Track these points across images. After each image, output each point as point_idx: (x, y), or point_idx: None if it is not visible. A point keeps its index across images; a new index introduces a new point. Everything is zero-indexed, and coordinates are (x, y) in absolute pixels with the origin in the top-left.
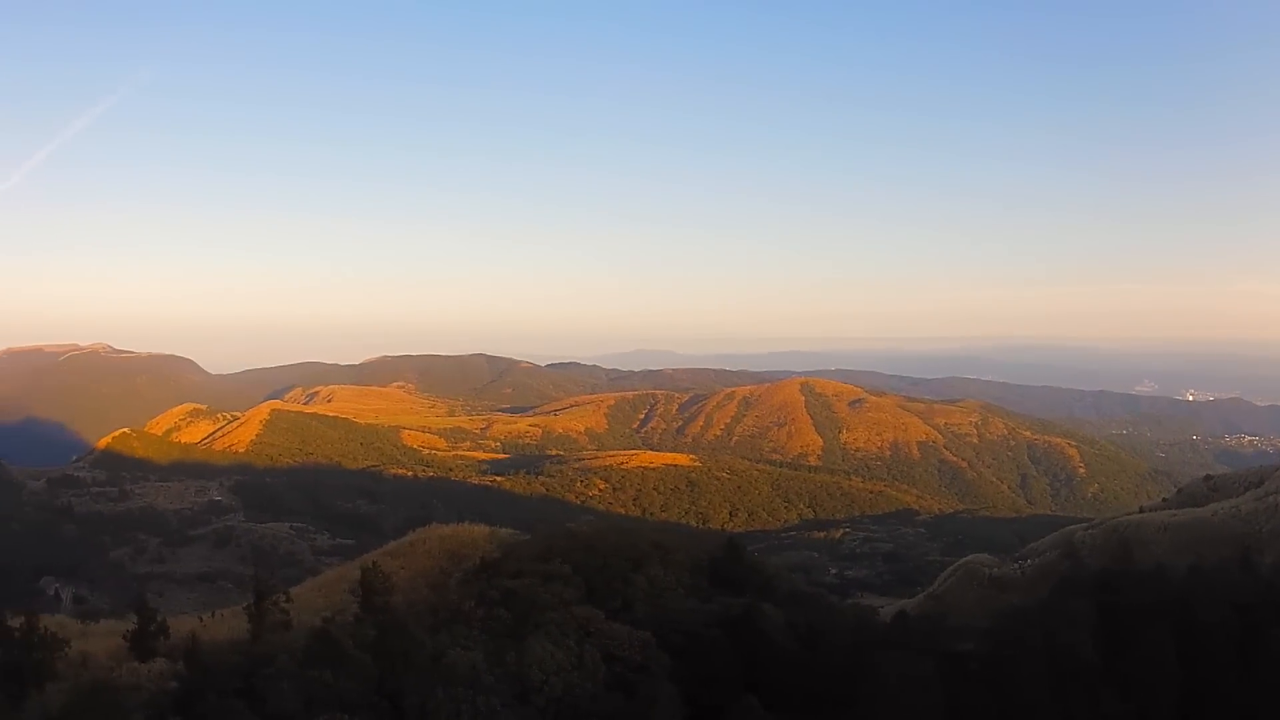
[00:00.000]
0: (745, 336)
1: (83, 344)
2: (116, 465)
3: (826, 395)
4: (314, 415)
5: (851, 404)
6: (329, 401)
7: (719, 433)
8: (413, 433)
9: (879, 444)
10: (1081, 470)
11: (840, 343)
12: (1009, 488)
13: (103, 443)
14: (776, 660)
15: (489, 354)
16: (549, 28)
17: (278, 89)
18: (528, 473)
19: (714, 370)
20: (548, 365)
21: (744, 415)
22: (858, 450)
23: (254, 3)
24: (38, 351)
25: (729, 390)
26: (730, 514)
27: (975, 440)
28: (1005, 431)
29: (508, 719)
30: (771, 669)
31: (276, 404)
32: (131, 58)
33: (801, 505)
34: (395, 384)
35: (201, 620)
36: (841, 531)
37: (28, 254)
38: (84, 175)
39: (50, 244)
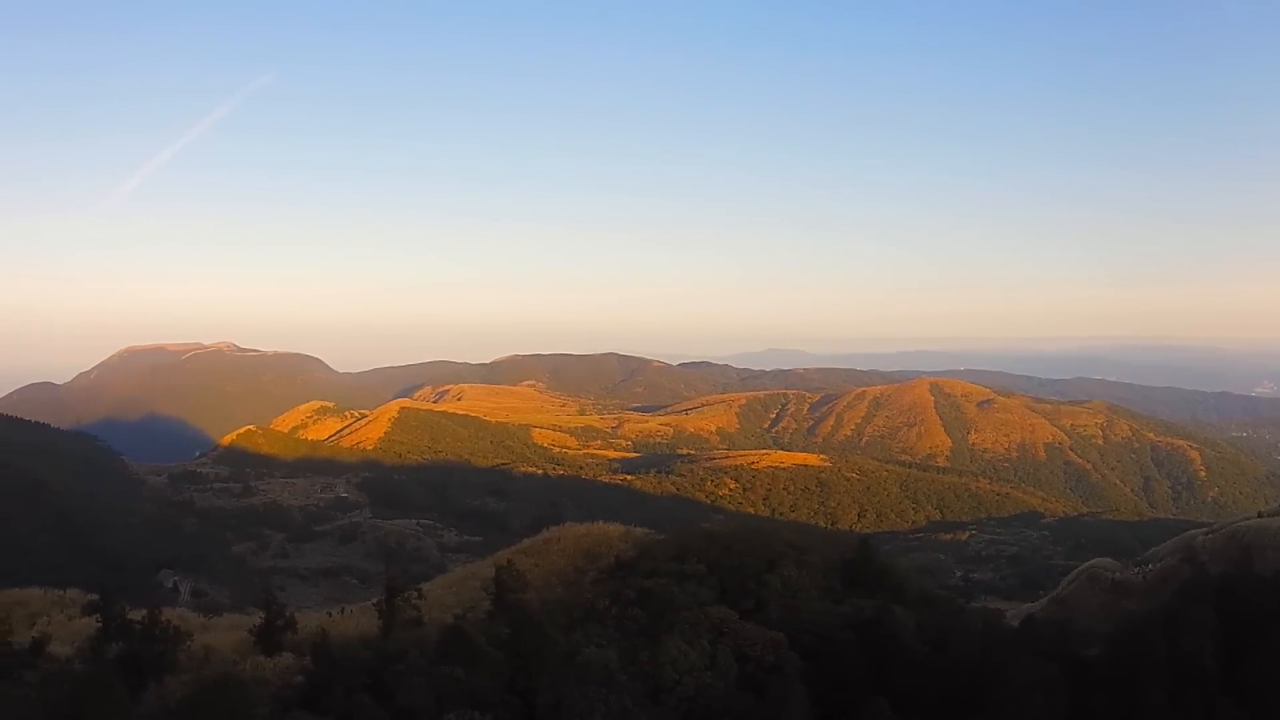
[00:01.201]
0: (876, 336)
1: (206, 343)
2: (241, 461)
3: (955, 395)
4: (443, 413)
5: (980, 404)
6: (459, 400)
7: (849, 433)
8: (543, 431)
9: (1006, 445)
10: (1202, 473)
11: (969, 342)
12: (1131, 490)
13: (227, 439)
14: (906, 663)
15: (620, 353)
16: (681, 26)
17: (402, 91)
18: (658, 472)
19: (844, 370)
20: (679, 364)
21: (874, 415)
22: (985, 451)
23: (386, 6)
24: (160, 350)
25: (859, 390)
26: (859, 515)
27: (1100, 442)
28: (1129, 433)
29: (640, 718)
30: (901, 671)
31: (406, 402)
32: (260, 59)
33: (929, 507)
34: (526, 383)
35: (330, 615)
36: (968, 534)
37: (151, 254)
38: (210, 176)
39: (174, 245)
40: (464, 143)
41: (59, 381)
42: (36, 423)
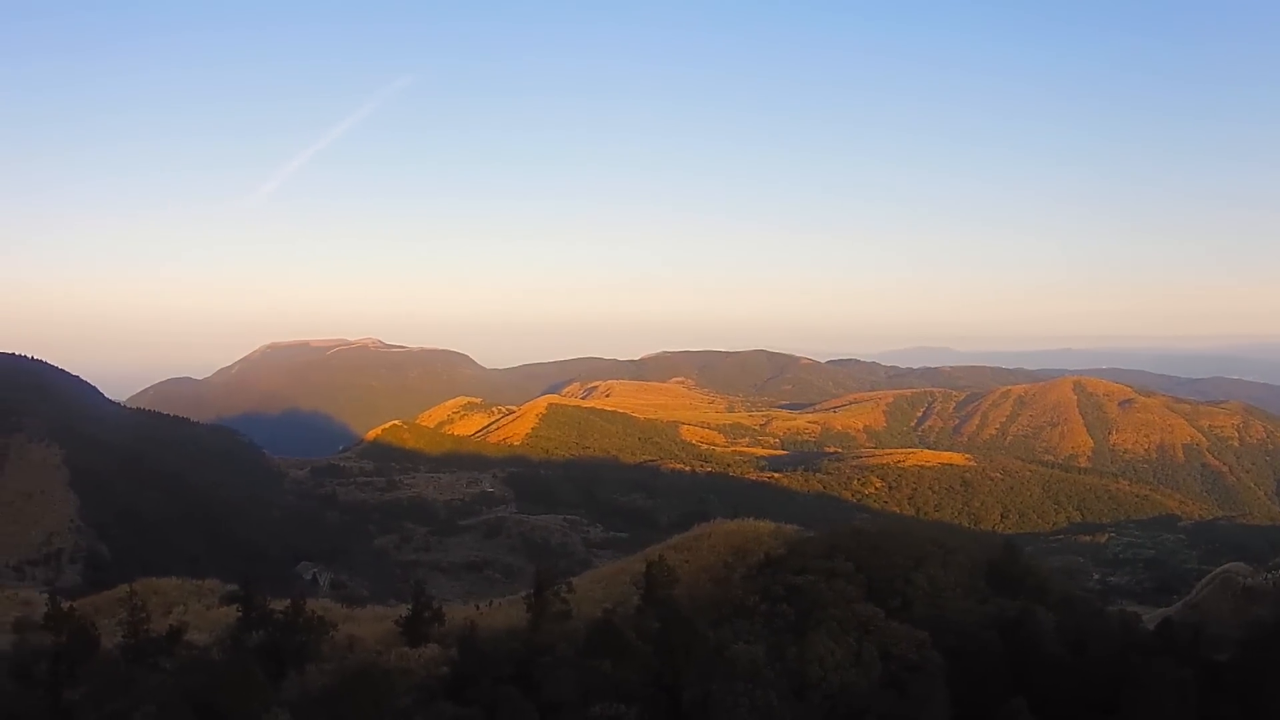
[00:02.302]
0: (1021, 334)
1: (351, 338)
2: (385, 456)
3: (1098, 395)
4: (591, 410)
5: (1121, 404)
6: (607, 396)
7: (994, 432)
8: (691, 428)
9: (1145, 445)
10: None
11: (1111, 340)
12: (1265, 494)
13: (372, 434)
14: (1045, 664)
15: (769, 350)
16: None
17: (544, 86)
18: (805, 470)
19: (990, 368)
20: (827, 361)
21: (1018, 415)
22: (1125, 452)
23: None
24: (303, 346)
25: (1004, 389)
26: (1002, 515)
27: (1236, 444)
28: (1264, 435)
29: (785, 713)
30: (1039, 672)
31: (554, 398)
32: (405, 55)
33: (1070, 508)
34: (675, 380)
35: (478, 608)
36: (1106, 536)
37: (295, 252)
38: (353, 175)
39: (318, 242)
40: (618, 136)
41: (198, 377)
42: (175, 417)
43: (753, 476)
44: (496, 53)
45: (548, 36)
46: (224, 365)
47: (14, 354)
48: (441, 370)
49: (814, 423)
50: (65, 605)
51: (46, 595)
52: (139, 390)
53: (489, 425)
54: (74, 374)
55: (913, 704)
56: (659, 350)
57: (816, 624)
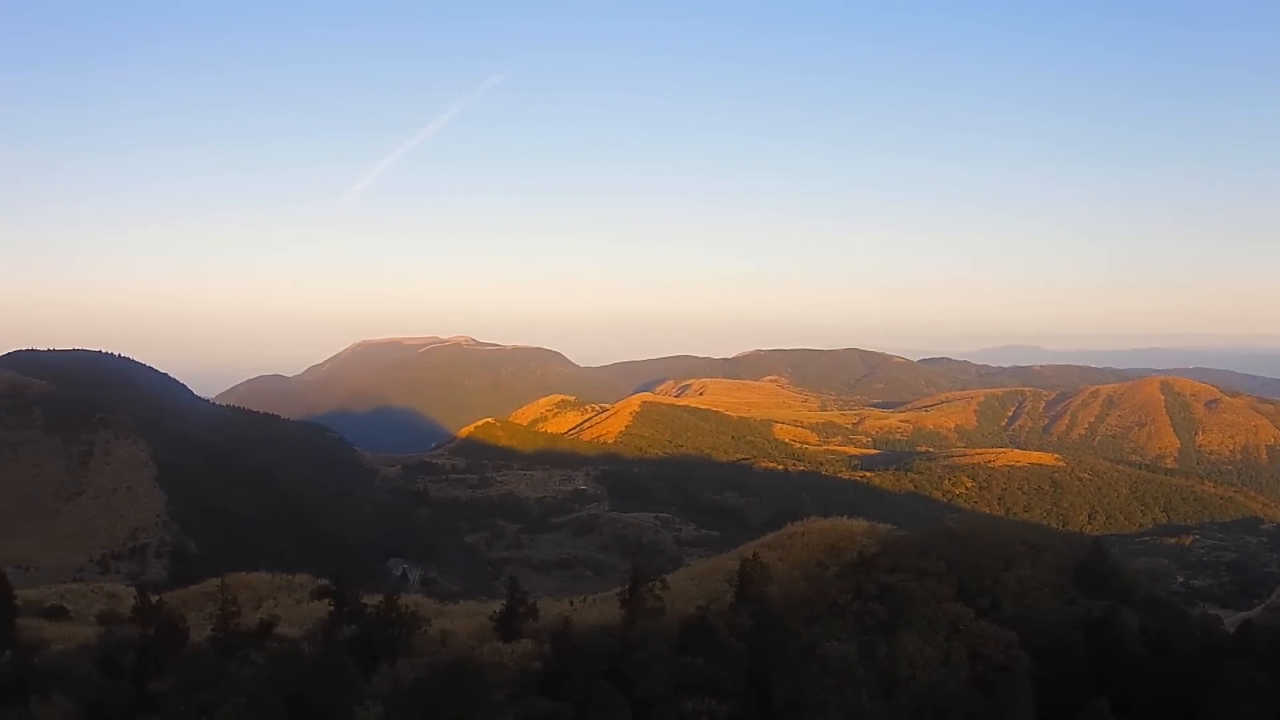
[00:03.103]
0: (1109, 332)
1: (444, 336)
2: (478, 453)
3: (1184, 395)
4: (685, 408)
5: (1208, 404)
6: (701, 395)
7: (1083, 432)
8: (784, 426)
9: (1231, 447)
10: None
11: (1197, 339)
12: None
13: (464, 431)
14: (1128, 666)
15: (862, 349)
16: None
17: (633, 81)
18: (897, 469)
19: (1079, 368)
20: (919, 360)
21: (1107, 415)
22: (1211, 453)
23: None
24: (395, 344)
25: (1093, 389)
26: (1089, 516)
27: None
28: None
29: (873, 712)
30: (1123, 674)
31: (647, 396)
32: (497, 53)
33: (1156, 510)
34: (768, 378)
35: (572, 604)
36: (1191, 538)
37: (385, 251)
38: (444, 174)
39: (409, 241)
40: (713, 134)
41: (289, 374)
42: (265, 414)
43: (845, 475)
44: (588, 49)
45: (639, 33)
46: (315, 363)
47: (101, 352)
48: (535, 368)
49: (906, 422)
50: (154, 598)
51: (132, 589)
52: (228, 388)
53: (582, 423)
54: (162, 372)
55: (998, 704)
56: (753, 349)
57: (907, 623)
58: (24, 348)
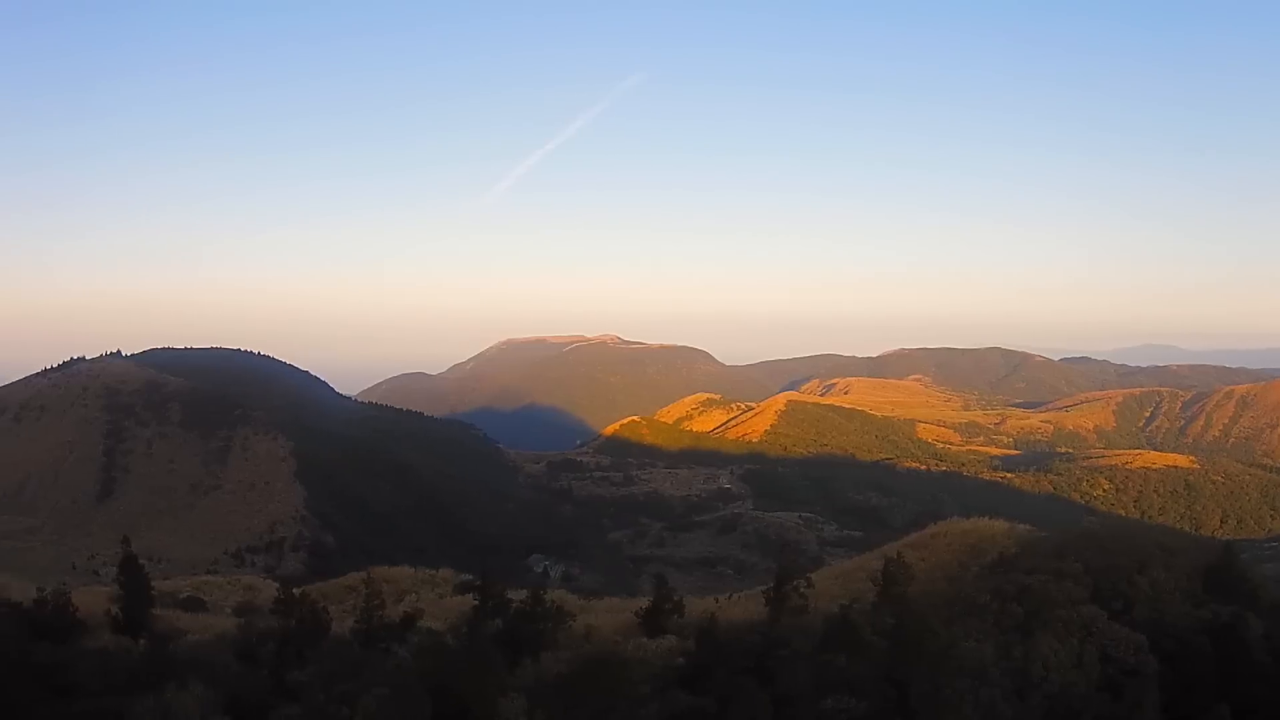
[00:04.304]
0: (1245, 331)
1: (589, 335)
2: (622, 451)
3: None
4: (830, 406)
5: None
6: (846, 394)
7: (1217, 433)
8: (927, 426)
9: None
10: None
11: None
12: None
13: (609, 429)
14: (1251, 672)
15: (1004, 348)
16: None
17: (770, 80)
18: (1037, 470)
19: (1215, 367)
20: (1060, 359)
21: (1240, 415)
22: None
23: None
24: (540, 342)
25: (1227, 389)
26: (1221, 520)
27: None
28: None
29: (1006, 712)
30: (1245, 681)
31: (793, 395)
32: (636, 52)
33: None
34: (912, 377)
35: (717, 601)
36: None
37: (529, 249)
38: (587, 173)
39: (552, 240)
40: (853, 132)
41: (432, 372)
42: (408, 411)
43: (986, 476)
44: (727, 45)
45: (780, 32)
46: (459, 361)
47: (240, 350)
48: (680, 366)
49: (1046, 422)
50: (295, 591)
51: (269, 581)
52: (371, 385)
53: (728, 421)
54: (303, 369)
55: (1126, 708)
56: (897, 347)
57: (1043, 624)
58: (161, 345)
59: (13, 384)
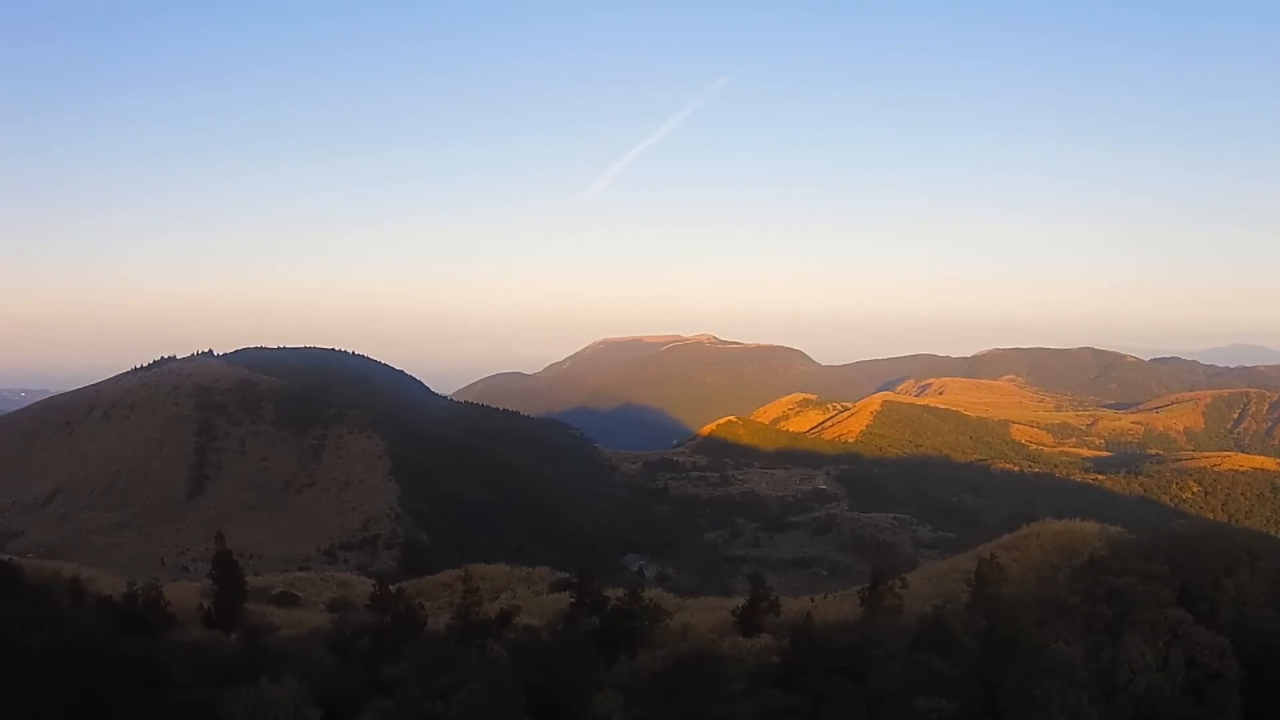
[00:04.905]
0: None
1: (685, 335)
2: (719, 451)
3: None
4: (924, 407)
5: None
6: (940, 394)
7: None
8: (1020, 427)
9: None
10: None
11: None
12: None
13: (706, 429)
14: None
15: (1096, 348)
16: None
17: (864, 79)
18: (1128, 472)
19: None
20: (1150, 359)
21: None
22: None
23: None
24: (636, 342)
25: None
26: None
27: None
28: None
29: (1092, 714)
30: None
31: (888, 395)
32: (726, 50)
33: None
34: (1005, 377)
35: (813, 600)
36: None
37: (624, 249)
38: (681, 172)
39: (647, 240)
40: (948, 130)
41: (528, 372)
42: (503, 410)
43: (1077, 478)
44: (819, 46)
45: (873, 31)
46: (555, 360)
47: (335, 349)
48: (776, 366)
49: (1137, 423)
50: (392, 587)
51: (363, 578)
52: (467, 385)
53: (824, 422)
54: (398, 369)
55: (1209, 711)
56: (991, 347)
57: (1131, 626)
58: (253, 345)
59: (102, 383)
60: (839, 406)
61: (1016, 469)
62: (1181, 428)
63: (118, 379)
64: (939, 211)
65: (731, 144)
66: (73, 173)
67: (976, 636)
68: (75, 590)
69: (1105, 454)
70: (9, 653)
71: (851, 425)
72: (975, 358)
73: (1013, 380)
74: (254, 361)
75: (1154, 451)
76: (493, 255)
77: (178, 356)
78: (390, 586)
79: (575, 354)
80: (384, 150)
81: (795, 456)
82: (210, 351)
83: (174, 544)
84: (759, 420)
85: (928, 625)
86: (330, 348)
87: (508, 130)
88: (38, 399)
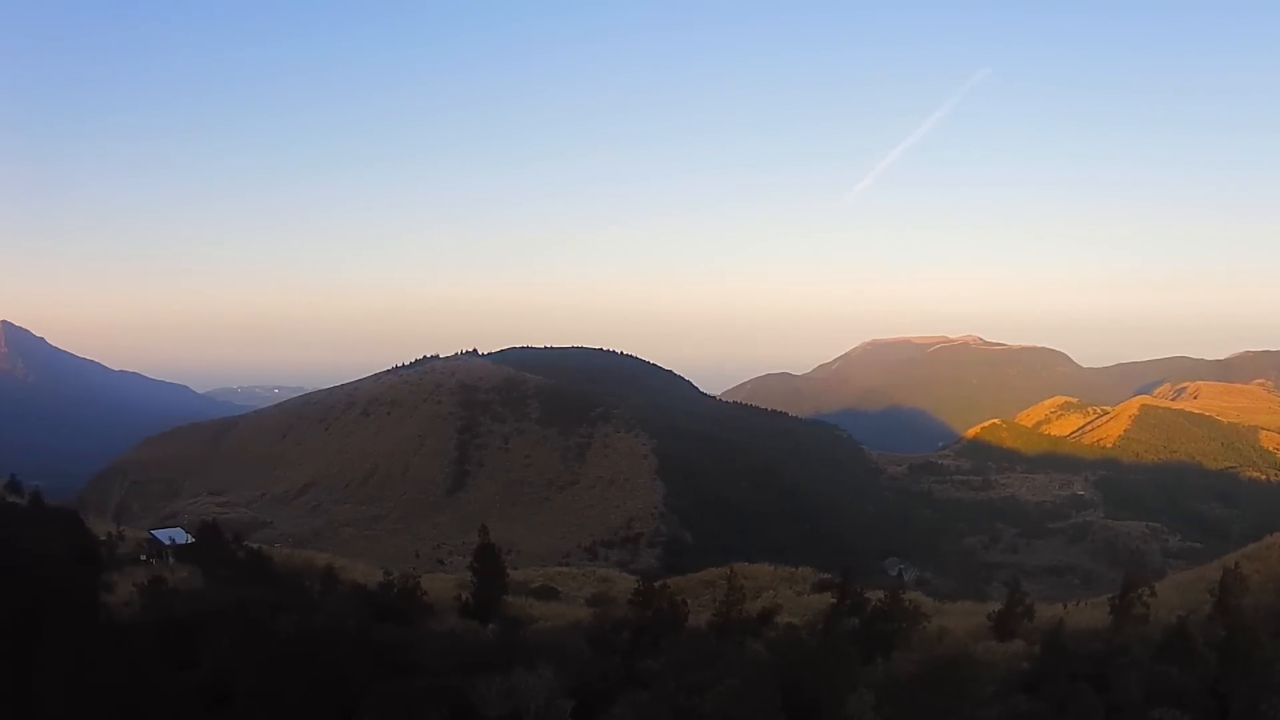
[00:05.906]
0: None
1: (952, 336)
2: (982, 455)
3: None
4: (1179, 412)
5: None
6: (1195, 398)
7: None
8: (1270, 434)
9: None
10: None
11: None
12: None
13: (970, 432)
14: None
15: None
16: None
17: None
18: None
19: None
20: None
21: None
22: None
23: None
24: (904, 343)
25: None
26: None
27: None
28: None
29: None
30: None
31: (1146, 399)
32: (982, 47)
33: None
34: (1256, 381)
35: (1065, 607)
36: None
37: (890, 249)
38: (943, 171)
39: (912, 240)
40: (1197, 133)
41: (796, 372)
42: (771, 411)
43: None
44: (1077, 48)
45: (1131, 28)
46: (824, 361)
47: (602, 349)
48: (1039, 368)
49: None
50: (655, 583)
51: (624, 574)
52: (736, 385)
53: (1084, 426)
54: (667, 369)
55: None
56: (1243, 349)
57: None
58: (518, 345)
59: (362, 380)
60: (1098, 410)
61: (1263, 478)
62: None
63: (377, 377)
64: (1198, 211)
65: (991, 140)
66: (360, 178)
67: (1215, 647)
68: (328, 578)
69: None
70: (255, 635)
71: (1109, 430)
72: (1228, 360)
73: (1262, 384)
74: (519, 361)
75: None
76: (759, 255)
77: (440, 356)
78: (653, 583)
79: (844, 355)
80: (657, 146)
81: (1055, 461)
82: (474, 351)
83: (430, 538)
84: (1021, 423)
85: (1171, 635)
86: (598, 348)
87: (779, 128)
88: (291, 396)
